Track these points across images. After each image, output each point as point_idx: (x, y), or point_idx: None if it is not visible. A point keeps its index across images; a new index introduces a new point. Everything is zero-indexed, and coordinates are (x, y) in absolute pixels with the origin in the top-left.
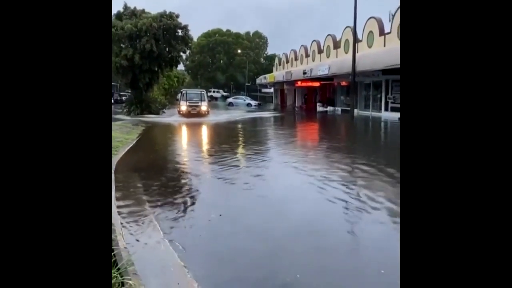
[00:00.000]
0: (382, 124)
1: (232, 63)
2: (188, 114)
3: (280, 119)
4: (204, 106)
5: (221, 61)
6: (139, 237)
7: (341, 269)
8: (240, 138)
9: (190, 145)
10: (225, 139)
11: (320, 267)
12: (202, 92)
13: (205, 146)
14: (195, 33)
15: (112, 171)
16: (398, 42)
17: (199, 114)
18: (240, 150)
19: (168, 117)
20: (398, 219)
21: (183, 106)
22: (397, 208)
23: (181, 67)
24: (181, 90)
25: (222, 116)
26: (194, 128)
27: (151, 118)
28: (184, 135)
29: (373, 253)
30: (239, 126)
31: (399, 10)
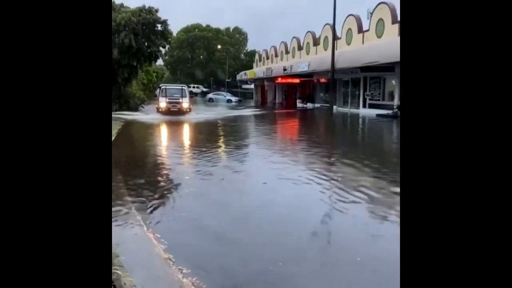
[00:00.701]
0: (360, 120)
1: (212, 58)
2: (168, 112)
3: (264, 117)
4: (185, 103)
5: (201, 57)
6: (122, 229)
7: None
8: (226, 139)
9: (171, 145)
10: (209, 140)
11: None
12: (184, 88)
13: (187, 147)
14: (174, 28)
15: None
16: (376, 39)
17: (180, 112)
18: (226, 152)
19: (146, 115)
20: (358, 204)
21: (163, 103)
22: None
23: (160, 62)
24: (160, 85)
25: (204, 113)
26: (175, 127)
27: (129, 115)
28: (165, 134)
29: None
30: (224, 125)
31: (378, 8)
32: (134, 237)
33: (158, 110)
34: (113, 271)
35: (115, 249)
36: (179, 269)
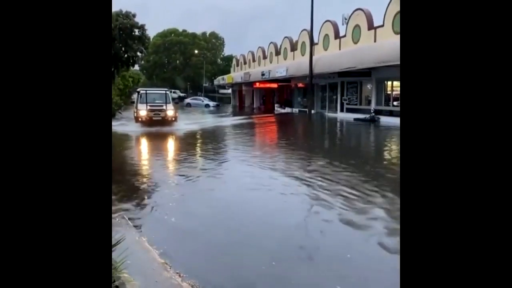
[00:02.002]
0: (341, 124)
1: (189, 63)
2: (149, 121)
3: (256, 126)
4: (170, 111)
5: (178, 61)
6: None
7: None
8: (232, 153)
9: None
10: (217, 158)
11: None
12: (167, 92)
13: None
14: (150, 33)
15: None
16: (353, 45)
17: (164, 121)
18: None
19: (124, 125)
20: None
21: (143, 111)
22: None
23: (135, 67)
24: (138, 90)
25: (189, 122)
26: (166, 146)
27: None
28: (157, 163)
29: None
30: (219, 135)
31: (354, 14)
32: (128, 243)
33: (137, 119)
34: (119, 274)
35: (122, 253)
36: (176, 273)
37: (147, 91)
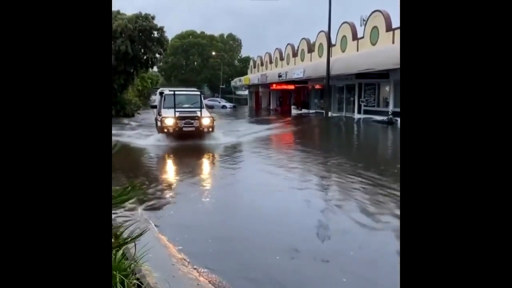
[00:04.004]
0: (361, 126)
1: (206, 65)
2: (179, 133)
3: (305, 134)
4: (206, 118)
5: (195, 63)
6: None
7: None
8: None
9: None
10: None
11: None
12: (200, 94)
13: None
14: (169, 35)
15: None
16: (371, 46)
17: (198, 132)
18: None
19: (145, 135)
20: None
21: (169, 119)
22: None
23: (154, 68)
24: (161, 91)
25: (223, 131)
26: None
27: (119, 134)
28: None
29: None
30: (281, 153)
31: (372, 16)
32: (147, 239)
33: (162, 130)
34: (140, 267)
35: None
36: (194, 268)
37: (175, 92)
